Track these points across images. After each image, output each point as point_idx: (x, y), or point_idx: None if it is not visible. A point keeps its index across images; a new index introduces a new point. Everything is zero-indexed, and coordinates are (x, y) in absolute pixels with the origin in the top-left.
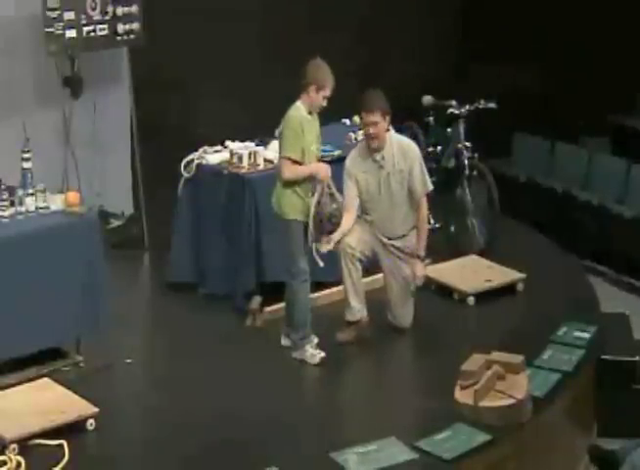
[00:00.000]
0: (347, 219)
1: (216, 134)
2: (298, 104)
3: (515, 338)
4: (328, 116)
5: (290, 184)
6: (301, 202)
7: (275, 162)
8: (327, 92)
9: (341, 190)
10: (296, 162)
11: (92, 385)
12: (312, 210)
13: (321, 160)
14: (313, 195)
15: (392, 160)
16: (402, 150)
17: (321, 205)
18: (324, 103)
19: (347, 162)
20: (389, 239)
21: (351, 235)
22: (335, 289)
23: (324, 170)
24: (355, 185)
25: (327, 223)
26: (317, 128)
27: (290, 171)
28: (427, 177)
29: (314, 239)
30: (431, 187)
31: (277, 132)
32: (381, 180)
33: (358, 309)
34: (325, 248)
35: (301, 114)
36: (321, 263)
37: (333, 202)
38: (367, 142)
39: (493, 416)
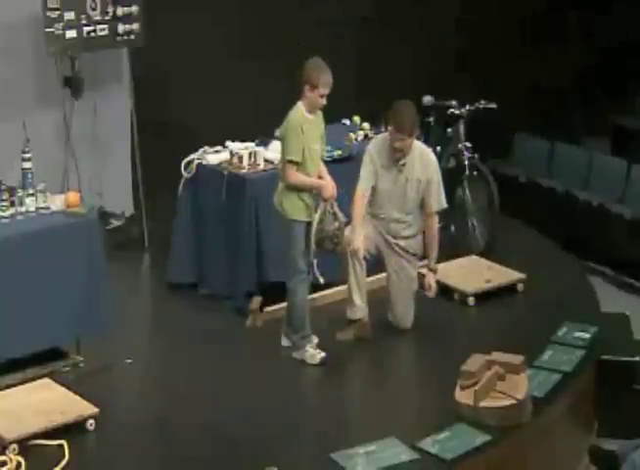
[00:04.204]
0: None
1: (217, 134)
2: (299, 104)
3: (515, 338)
4: (328, 116)
5: (292, 187)
6: (304, 203)
7: (275, 162)
8: (322, 90)
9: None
10: (298, 163)
11: (92, 385)
12: (314, 227)
13: (325, 160)
14: (316, 211)
15: (413, 168)
16: (424, 160)
17: (323, 223)
18: (323, 101)
19: (372, 147)
20: (395, 237)
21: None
22: (335, 289)
23: (329, 190)
24: (373, 174)
25: (328, 242)
26: (321, 128)
27: (295, 178)
28: (442, 195)
29: (315, 256)
30: (444, 205)
31: (277, 133)
32: (397, 183)
33: (361, 308)
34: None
35: (301, 114)
36: (322, 280)
37: (335, 221)
38: (391, 153)
39: (493, 416)
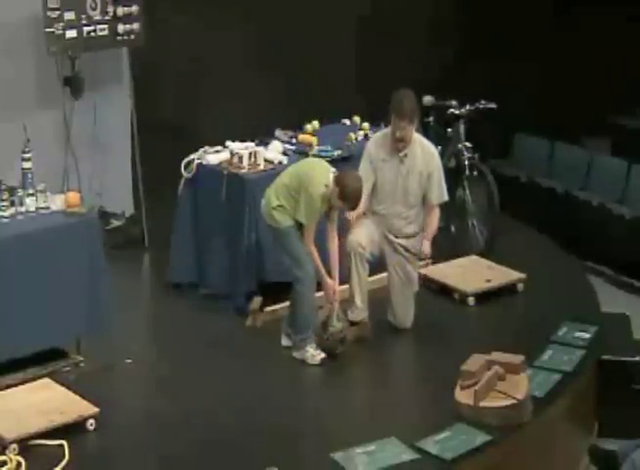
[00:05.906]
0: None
1: (217, 134)
2: (330, 182)
3: (515, 338)
4: (328, 115)
5: (285, 208)
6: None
7: (275, 162)
8: (344, 208)
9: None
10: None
11: (92, 385)
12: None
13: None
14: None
15: (414, 160)
16: (426, 154)
17: (324, 325)
18: (342, 208)
19: (370, 144)
20: (397, 236)
21: (362, 235)
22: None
23: (329, 293)
24: (372, 171)
25: (328, 342)
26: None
27: (310, 243)
28: (444, 188)
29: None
30: (446, 198)
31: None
32: (399, 176)
33: (362, 310)
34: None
35: (326, 196)
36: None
37: (334, 324)
38: (393, 143)
39: (493, 416)
